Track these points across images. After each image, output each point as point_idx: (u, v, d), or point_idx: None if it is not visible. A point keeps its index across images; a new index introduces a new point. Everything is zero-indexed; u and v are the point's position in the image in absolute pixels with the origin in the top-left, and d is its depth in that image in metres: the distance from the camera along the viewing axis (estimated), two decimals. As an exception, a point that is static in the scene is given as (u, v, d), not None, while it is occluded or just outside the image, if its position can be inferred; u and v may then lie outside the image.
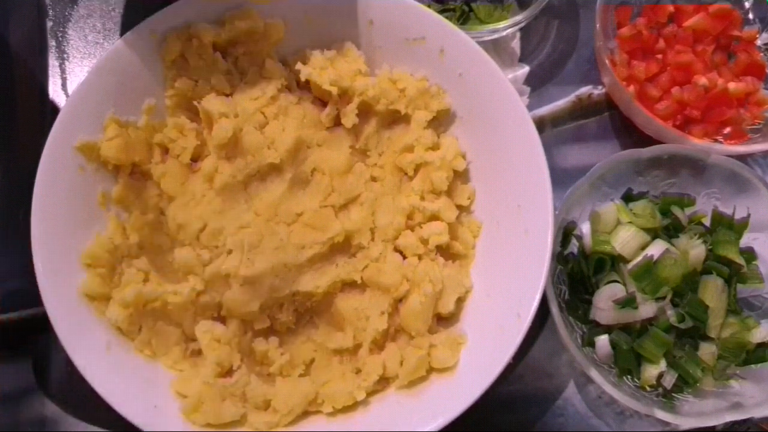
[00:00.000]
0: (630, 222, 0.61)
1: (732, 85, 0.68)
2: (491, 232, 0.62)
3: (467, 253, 0.62)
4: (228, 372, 0.57)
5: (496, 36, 0.68)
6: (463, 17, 0.70)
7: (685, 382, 0.59)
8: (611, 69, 0.66)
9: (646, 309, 0.58)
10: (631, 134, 0.70)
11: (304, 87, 0.63)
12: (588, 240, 0.61)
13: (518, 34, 0.73)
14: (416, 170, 0.62)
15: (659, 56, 0.70)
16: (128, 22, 0.69)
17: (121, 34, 0.58)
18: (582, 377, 0.63)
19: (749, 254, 0.61)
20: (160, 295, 0.56)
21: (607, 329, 0.60)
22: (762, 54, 0.71)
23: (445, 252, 0.61)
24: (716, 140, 0.66)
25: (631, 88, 0.67)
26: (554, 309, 0.57)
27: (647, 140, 0.66)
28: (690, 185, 0.63)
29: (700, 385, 0.59)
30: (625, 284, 0.59)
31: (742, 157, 0.65)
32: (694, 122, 0.68)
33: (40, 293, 0.53)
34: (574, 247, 0.62)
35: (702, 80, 0.67)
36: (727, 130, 0.67)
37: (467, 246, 0.62)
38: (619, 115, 0.70)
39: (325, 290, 0.57)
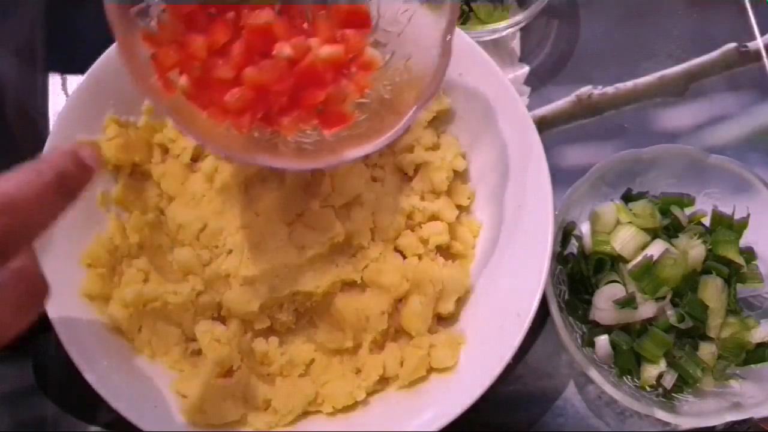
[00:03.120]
0: (630, 222, 0.61)
1: (325, 50, 0.46)
2: (491, 232, 0.62)
3: (467, 253, 0.62)
4: (228, 372, 0.57)
5: (496, 36, 0.68)
6: (463, 17, 0.70)
7: (685, 382, 0.59)
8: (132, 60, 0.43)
9: (646, 309, 0.58)
10: (631, 134, 0.70)
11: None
12: (588, 240, 0.61)
13: (518, 34, 0.73)
14: (416, 170, 0.62)
15: (231, 15, 0.46)
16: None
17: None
18: (582, 377, 0.63)
19: (749, 254, 0.61)
20: (160, 295, 0.56)
21: (607, 329, 0.60)
22: None
23: (445, 252, 0.61)
24: (309, 130, 0.48)
25: (184, 79, 0.45)
26: (554, 309, 0.57)
27: (647, 140, 0.66)
28: (690, 185, 0.63)
29: (700, 385, 0.59)
30: (625, 284, 0.59)
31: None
32: (283, 111, 0.47)
33: (40, 293, 0.53)
34: (573, 247, 0.62)
35: (285, 50, 0.45)
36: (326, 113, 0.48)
37: (467, 246, 0.62)
38: (620, 114, 0.70)
39: (325, 290, 0.57)
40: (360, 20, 0.48)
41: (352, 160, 0.46)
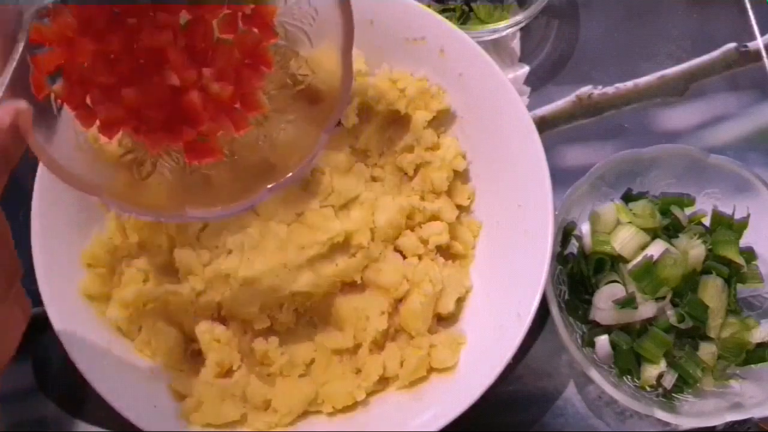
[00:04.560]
0: (630, 222, 0.61)
1: (215, 88, 0.45)
2: (491, 232, 0.62)
3: (467, 253, 0.62)
4: (228, 372, 0.57)
5: (496, 36, 0.68)
6: (463, 17, 0.70)
7: (685, 382, 0.59)
8: None
9: (646, 309, 0.58)
10: (631, 134, 0.70)
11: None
12: (588, 240, 0.61)
13: (518, 34, 0.73)
14: (416, 170, 0.62)
15: (134, 21, 0.43)
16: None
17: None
18: (582, 377, 0.63)
19: (749, 254, 0.61)
20: (160, 295, 0.56)
21: (607, 329, 0.60)
22: (280, 40, 0.47)
23: (445, 252, 0.61)
24: (173, 151, 0.47)
25: (60, 83, 0.44)
26: (554, 309, 0.57)
27: (647, 140, 0.66)
28: (690, 185, 0.63)
29: (700, 385, 0.59)
30: (625, 284, 0.59)
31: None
32: (151, 132, 0.45)
33: (40, 293, 0.53)
34: (573, 247, 0.62)
35: (172, 79, 0.44)
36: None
37: (467, 246, 0.62)
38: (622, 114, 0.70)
39: (325, 290, 0.57)
40: (262, 60, 0.46)
41: (195, 219, 0.46)
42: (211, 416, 0.54)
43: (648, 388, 0.59)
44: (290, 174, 0.45)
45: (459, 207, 0.62)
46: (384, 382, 0.58)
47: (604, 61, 0.73)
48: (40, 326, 0.59)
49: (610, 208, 0.62)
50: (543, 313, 0.57)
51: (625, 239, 0.60)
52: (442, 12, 0.68)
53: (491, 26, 0.67)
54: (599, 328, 0.60)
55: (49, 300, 0.53)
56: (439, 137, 0.63)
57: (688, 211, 0.63)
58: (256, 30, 0.46)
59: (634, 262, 0.60)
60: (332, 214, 0.58)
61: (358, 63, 0.61)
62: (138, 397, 0.54)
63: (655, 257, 0.59)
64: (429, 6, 0.61)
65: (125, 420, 0.52)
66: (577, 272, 0.61)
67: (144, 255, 0.58)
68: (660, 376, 0.58)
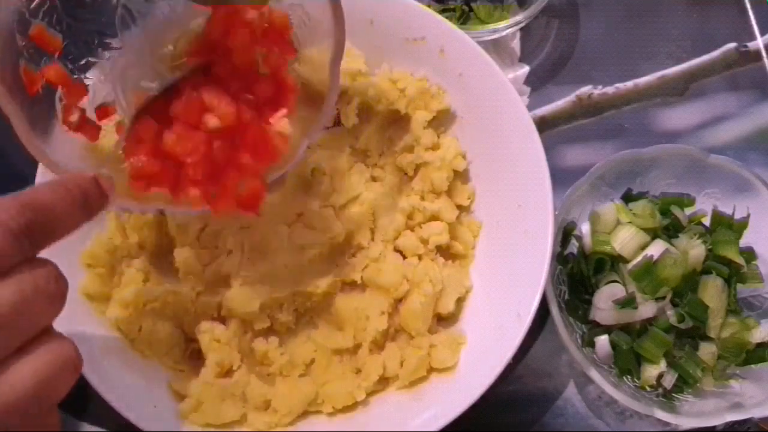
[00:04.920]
0: (630, 222, 0.61)
1: (282, 125, 0.46)
2: (491, 232, 0.62)
3: (467, 253, 0.62)
4: (228, 372, 0.57)
5: (496, 36, 0.68)
6: (463, 17, 0.70)
7: (685, 382, 0.59)
8: None
9: (646, 309, 0.58)
10: (631, 134, 0.70)
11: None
12: (588, 240, 0.61)
13: (518, 34, 0.73)
14: (416, 170, 0.62)
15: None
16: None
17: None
18: (582, 377, 0.63)
19: (749, 254, 0.61)
20: (160, 295, 0.56)
21: (607, 329, 0.60)
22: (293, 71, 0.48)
23: (445, 252, 0.61)
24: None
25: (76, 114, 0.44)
26: (554, 309, 0.57)
27: (647, 140, 0.66)
28: (690, 185, 0.63)
29: (700, 385, 0.59)
30: (625, 284, 0.59)
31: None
32: (194, 183, 0.46)
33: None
34: (573, 247, 0.62)
35: (213, 120, 0.43)
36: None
37: (467, 246, 0.62)
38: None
39: (325, 290, 0.57)
40: (285, 85, 0.48)
41: (179, 212, 0.48)
42: (211, 416, 0.54)
43: (648, 388, 0.59)
44: (275, 173, 0.46)
45: (459, 207, 0.62)
46: (384, 382, 0.58)
47: (604, 61, 0.73)
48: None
49: (610, 208, 0.62)
50: (543, 313, 0.57)
51: (625, 239, 0.60)
52: (442, 12, 0.68)
53: (491, 26, 0.67)
54: (599, 328, 0.60)
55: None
56: (439, 137, 0.63)
57: (688, 211, 0.63)
58: (277, 49, 0.47)
59: (634, 262, 0.60)
60: (332, 214, 0.58)
61: (358, 63, 0.61)
62: (138, 397, 0.54)
63: (655, 257, 0.59)
64: (429, 6, 0.61)
65: (125, 420, 0.52)
66: (577, 272, 0.61)
67: (144, 255, 0.58)
68: (660, 376, 0.58)
